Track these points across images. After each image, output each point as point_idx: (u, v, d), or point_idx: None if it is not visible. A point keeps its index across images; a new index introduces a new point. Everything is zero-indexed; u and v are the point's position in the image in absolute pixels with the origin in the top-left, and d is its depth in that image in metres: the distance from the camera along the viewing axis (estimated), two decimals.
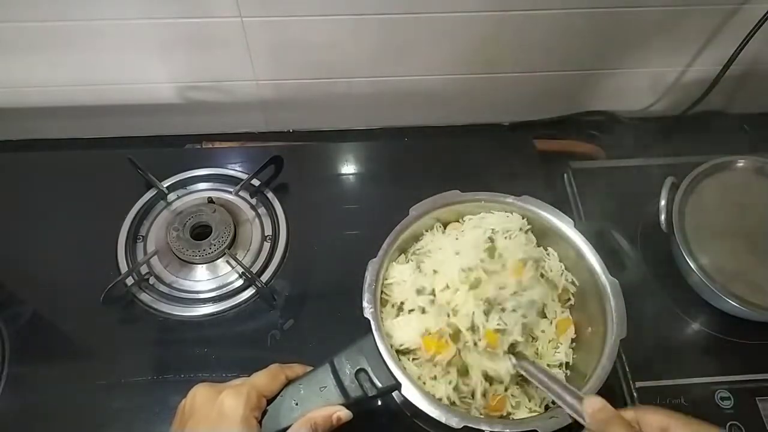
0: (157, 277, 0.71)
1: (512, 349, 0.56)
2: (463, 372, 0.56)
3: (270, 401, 0.51)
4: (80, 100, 0.81)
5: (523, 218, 0.64)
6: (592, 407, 0.48)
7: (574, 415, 0.49)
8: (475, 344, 0.54)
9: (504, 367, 0.55)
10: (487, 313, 0.55)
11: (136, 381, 0.64)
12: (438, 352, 0.55)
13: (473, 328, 0.54)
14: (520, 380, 0.58)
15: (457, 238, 0.62)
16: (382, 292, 0.60)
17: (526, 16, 0.73)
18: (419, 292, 0.58)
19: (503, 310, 0.55)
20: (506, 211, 0.64)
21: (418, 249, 0.63)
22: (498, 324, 0.54)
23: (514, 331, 0.55)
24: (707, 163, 0.73)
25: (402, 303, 0.59)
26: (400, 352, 0.57)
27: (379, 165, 0.83)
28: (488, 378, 0.57)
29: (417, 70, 0.81)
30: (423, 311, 0.57)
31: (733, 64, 0.77)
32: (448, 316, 0.56)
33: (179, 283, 0.71)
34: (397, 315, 0.59)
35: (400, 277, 0.60)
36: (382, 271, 0.59)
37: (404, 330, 0.56)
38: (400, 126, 0.90)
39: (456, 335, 0.55)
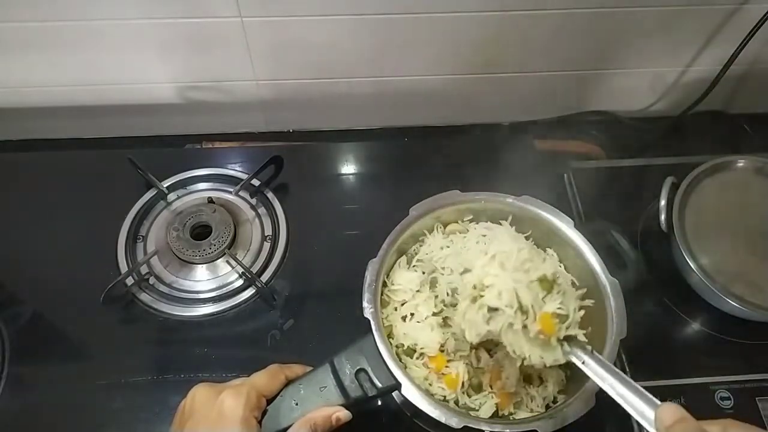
0: (157, 277, 0.71)
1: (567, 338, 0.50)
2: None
3: (270, 401, 0.51)
4: (80, 100, 0.81)
5: (528, 238, 0.64)
6: (670, 418, 0.39)
7: (645, 424, 0.42)
8: (525, 327, 0.48)
9: (552, 357, 0.49)
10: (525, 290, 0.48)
11: (136, 381, 0.64)
12: (438, 369, 0.56)
13: (521, 309, 0.48)
14: (524, 381, 0.58)
15: (460, 252, 0.62)
16: (383, 293, 0.60)
17: (526, 16, 0.73)
18: (436, 314, 0.59)
19: (563, 293, 0.50)
20: (505, 213, 0.64)
21: (422, 257, 0.63)
22: (559, 308, 0.48)
23: (573, 320, 0.49)
24: (707, 163, 0.73)
25: (412, 314, 0.59)
26: (408, 354, 0.58)
27: (379, 165, 0.83)
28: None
29: (417, 70, 0.81)
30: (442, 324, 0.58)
31: (733, 64, 0.76)
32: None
33: (179, 283, 0.71)
34: (410, 318, 0.59)
35: (407, 285, 0.60)
36: (383, 271, 0.59)
37: (428, 334, 0.57)
38: (400, 126, 0.90)
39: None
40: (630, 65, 0.83)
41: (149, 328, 0.68)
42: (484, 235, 0.63)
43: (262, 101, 0.84)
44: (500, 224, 0.65)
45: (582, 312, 0.51)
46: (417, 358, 0.57)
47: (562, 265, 0.63)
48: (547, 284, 0.49)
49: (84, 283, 0.69)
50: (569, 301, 0.50)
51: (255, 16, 0.71)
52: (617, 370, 0.47)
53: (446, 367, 0.56)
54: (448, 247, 0.63)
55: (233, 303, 0.70)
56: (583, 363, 0.48)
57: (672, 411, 0.40)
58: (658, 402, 0.42)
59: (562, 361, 0.49)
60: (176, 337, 0.67)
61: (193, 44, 0.74)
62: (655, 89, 0.88)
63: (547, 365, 0.49)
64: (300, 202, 0.78)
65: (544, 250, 0.64)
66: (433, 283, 0.61)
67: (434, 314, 0.59)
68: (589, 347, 0.49)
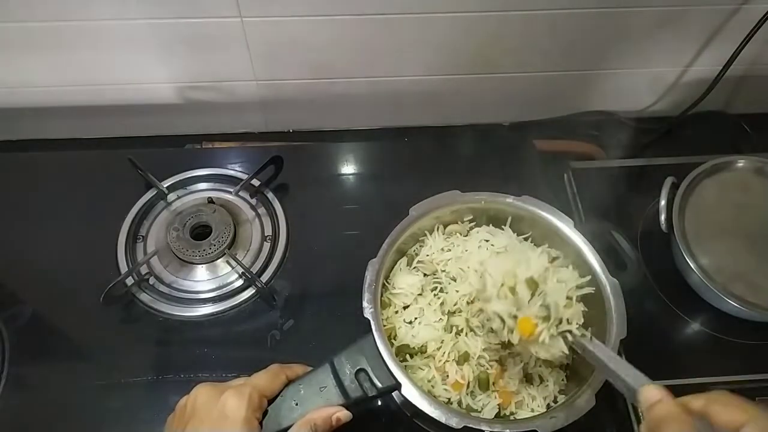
0: (157, 277, 0.71)
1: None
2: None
3: (270, 401, 0.51)
4: (80, 100, 0.81)
5: (528, 238, 0.64)
6: (649, 400, 0.40)
7: (637, 404, 0.43)
8: (512, 332, 0.51)
9: (558, 349, 0.50)
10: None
11: (136, 381, 0.64)
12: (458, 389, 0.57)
13: (503, 321, 0.52)
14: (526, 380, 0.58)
15: (461, 256, 0.62)
16: (383, 295, 0.60)
17: (526, 16, 0.73)
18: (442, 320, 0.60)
19: (545, 295, 0.50)
20: (505, 214, 0.64)
21: (423, 258, 0.63)
22: (540, 309, 0.49)
23: (556, 318, 0.49)
24: (707, 163, 0.73)
25: (416, 318, 0.60)
26: (412, 355, 0.58)
27: (379, 165, 0.83)
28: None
29: (416, 70, 0.81)
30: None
31: (733, 64, 0.77)
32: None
33: (179, 283, 0.71)
34: (417, 321, 0.60)
35: (409, 289, 0.60)
36: (383, 271, 0.59)
37: (439, 336, 0.58)
38: (400, 126, 0.90)
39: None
40: (630, 65, 0.83)
41: (149, 328, 0.68)
42: (487, 240, 0.63)
43: (262, 101, 0.84)
44: (502, 229, 0.65)
45: (580, 306, 0.51)
46: (424, 359, 0.57)
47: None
48: (533, 285, 0.50)
49: (84, 283, 0.69)
50: (558, 294, 0.49)
51: (255, 16, 0.71)
52: (610, 352, 0.49)
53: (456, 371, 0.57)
54: (449, 249, 0.63)
55: (233, 303, 0.70)
56: (582, 350, 0.50)
57: (650, 393, 0.40)
58: (643, 382, 0.42)
59: (566, 350, 0.50)
60: (176, 337, 0.67)
61: (193, 44, 0.74)
62: (655, 89, 0.88)
63: (554, 359, 0.51)
64: (300, 202, 0.78)
65: None
66: (437, 288, 0.61)
67: (440, 320, 0.59)
68: (588, 335, 0.50)
